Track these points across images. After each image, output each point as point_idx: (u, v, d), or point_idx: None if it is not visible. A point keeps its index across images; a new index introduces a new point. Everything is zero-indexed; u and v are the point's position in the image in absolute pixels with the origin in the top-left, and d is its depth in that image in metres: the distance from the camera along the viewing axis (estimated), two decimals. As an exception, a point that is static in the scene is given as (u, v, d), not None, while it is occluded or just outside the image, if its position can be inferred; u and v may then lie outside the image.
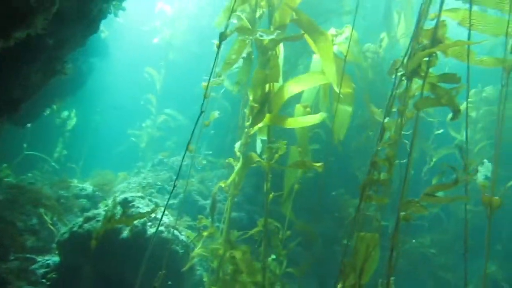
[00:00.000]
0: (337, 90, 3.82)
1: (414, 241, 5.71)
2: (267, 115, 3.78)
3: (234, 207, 4.36)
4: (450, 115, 2.54)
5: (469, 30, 2.47)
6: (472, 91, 5.95)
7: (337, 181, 5.62)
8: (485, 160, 2.29)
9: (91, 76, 8.23)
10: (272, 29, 3.61)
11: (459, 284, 5.47)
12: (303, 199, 4.73)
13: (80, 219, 4.57)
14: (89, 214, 4.62)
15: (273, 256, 3.78)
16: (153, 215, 4.10)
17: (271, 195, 3.92)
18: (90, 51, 7.20)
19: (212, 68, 3.50)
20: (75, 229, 4.41)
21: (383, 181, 2.62)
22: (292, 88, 3.88)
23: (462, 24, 2.45)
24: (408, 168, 2.56)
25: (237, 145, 3.89)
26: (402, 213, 2.46)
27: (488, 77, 6.40)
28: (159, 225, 4.11)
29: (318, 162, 3.82)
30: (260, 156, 3.89)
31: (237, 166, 3.98)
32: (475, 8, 3.26)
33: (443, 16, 2.53)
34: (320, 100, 4.49)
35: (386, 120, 2.69)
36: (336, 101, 3.93)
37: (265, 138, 3.93)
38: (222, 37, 3.08)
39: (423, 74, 2.64)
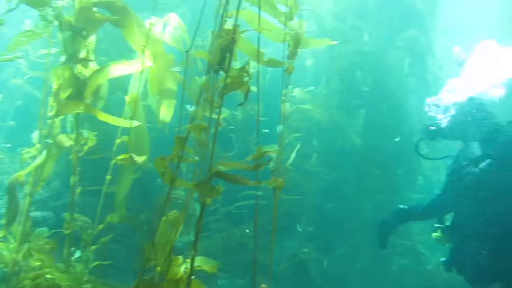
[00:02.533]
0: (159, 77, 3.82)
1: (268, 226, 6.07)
2: (78, 105, 3.51)
3: (38, 205, 3.91)
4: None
5: (259, 33, 2.73)
6: (284, 91, 6.70)
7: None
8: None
9: None
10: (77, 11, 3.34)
11: (268, 263, 6.09)
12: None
13: None
14: None
15: (78, 254, 3.52)
16: None
17: (79, 190, 3.68)
18: None
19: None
20: None
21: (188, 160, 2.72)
22: (105, 74, 3.66)
23: (251, 25, 2.69)
24: (213, 149, 2.64)
25: (35, 135, 3.50)
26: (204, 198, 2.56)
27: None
28: None
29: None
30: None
31: (39, 158, 3.57)
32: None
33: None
34: (149, 90, 4.37)
35: (193, 108, 2.79)
36: (159, 89, 3.94)
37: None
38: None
39: (225, 67, 2.83)
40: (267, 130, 6.75)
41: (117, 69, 3.66)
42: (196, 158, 2.83)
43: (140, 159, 3.99)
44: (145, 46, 3.49)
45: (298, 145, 5.79)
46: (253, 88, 2.76)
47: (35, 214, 4.17)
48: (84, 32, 3.47)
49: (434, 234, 3.25)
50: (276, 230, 6.92)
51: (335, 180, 6.93)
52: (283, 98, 6.74)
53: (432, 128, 3.42)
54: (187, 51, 2.60)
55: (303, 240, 6.44)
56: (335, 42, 2.71)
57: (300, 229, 6.43)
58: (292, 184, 6.26)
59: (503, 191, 2.82)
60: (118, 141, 4.24)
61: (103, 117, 3.69)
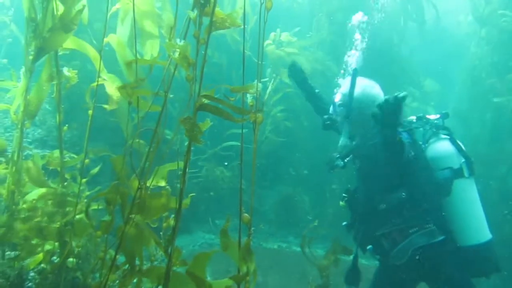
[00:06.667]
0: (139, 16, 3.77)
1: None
2: (63, 38, 3.50)
3: (38, 143, 3.99)
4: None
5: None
6: (263, 28, 6.68)
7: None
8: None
9: None
10: None
11: (256, 207, 6.31)
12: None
13: None
14: None
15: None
16: None
17: (65, 127, 3.76)
18: None
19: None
20: None
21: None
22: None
23: None
24: (200, 84, 2.68)
25: (22, 71, 3.54)
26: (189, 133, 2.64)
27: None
28: None
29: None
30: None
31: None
32: None
33: None
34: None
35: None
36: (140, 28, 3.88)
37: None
38: None
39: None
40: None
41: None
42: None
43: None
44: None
45: (273, 80, 5.85)
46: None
47: (35, 151, 4.28)
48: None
49: (340, 203, 3.52)
50: (269, 174, 7.00)
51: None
52: (268, 38, 6.67)
53: (327, 122, 3.45)
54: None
55: (295, 183, 6.60)
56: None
57: (293, 173, 6.57)
58: (282, 127, 6.36)
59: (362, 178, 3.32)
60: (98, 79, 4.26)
61: (91, 52, 3.68)
